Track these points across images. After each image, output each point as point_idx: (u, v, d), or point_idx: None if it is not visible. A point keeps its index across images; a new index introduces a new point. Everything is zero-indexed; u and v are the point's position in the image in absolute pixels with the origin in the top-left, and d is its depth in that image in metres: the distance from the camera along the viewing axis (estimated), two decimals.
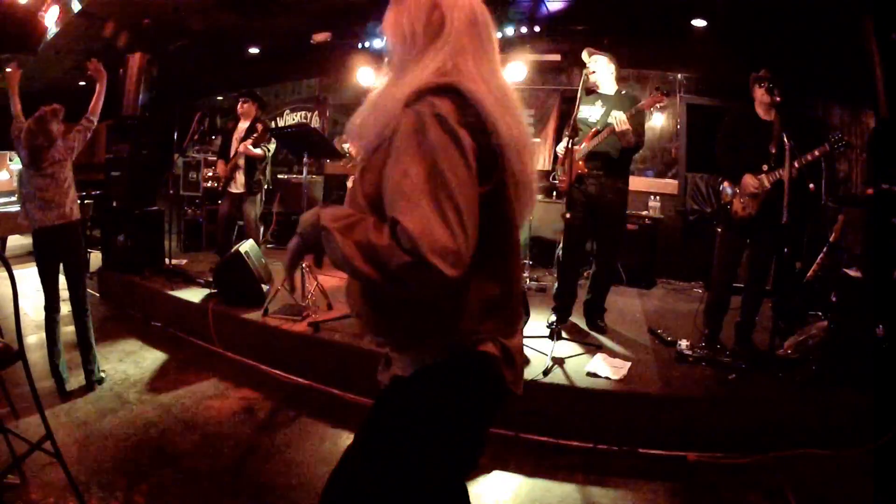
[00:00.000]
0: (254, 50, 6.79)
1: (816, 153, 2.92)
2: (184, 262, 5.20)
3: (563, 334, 3.34)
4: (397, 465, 1.04)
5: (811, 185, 3.12)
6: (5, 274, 2.01)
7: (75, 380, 3.13)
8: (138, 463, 2.43)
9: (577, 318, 3.71)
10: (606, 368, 2.89)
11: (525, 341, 3.18)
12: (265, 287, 3.96)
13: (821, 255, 3.77)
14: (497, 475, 2.43)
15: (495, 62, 1.09)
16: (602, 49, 3.52)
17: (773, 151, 3.05)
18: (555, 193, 5.45)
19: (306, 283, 3.80)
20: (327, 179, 6.93)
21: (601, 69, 3.43)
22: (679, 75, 5.68)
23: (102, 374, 3.21)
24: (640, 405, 2.71)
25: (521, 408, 2.70)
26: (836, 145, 2.89)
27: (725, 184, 3.24)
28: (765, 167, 3.06)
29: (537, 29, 5.45)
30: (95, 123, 3.19)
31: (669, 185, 5.70)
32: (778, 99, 3.02)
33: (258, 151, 4.57)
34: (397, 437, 1.06)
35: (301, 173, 4.45)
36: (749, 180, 3.08)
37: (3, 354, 2.04)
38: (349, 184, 4.15)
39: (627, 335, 3.53)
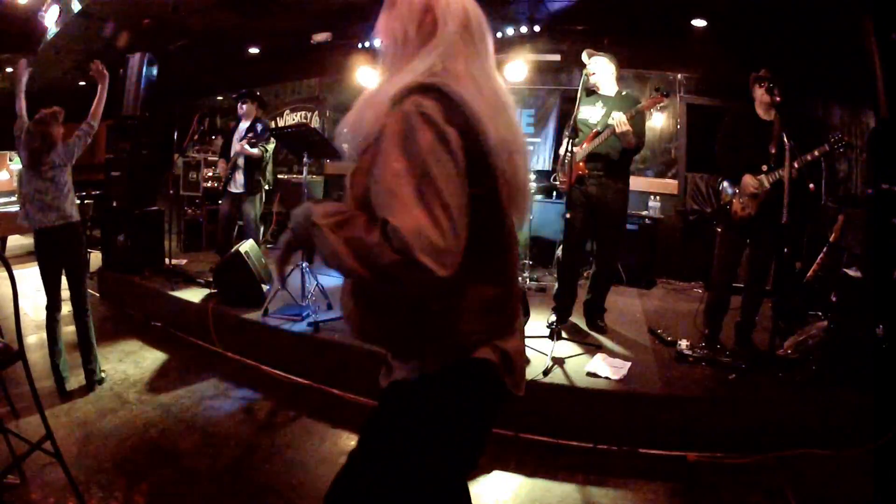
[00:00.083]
0: (254, 50, 6.79)
1: (816, 153, 2.92)
2: (184, 262, 5.20)
3: (563, 334, 3.34)
4: (398, 469, 1.04)
5: (811, 185, 3.12)
6: (5, 274, 2.01)
7: (75, 380, 3.13)
8: (138, 463, 2.43)
9: (577, 318, 3.71)
10: (606, 368, 2.89)
11: (525, 341, 3.21)
12: (265, 287, 3.96)
13: (821, 255, 3.78)
14: (497, 475, 2.43)
15: (489, 64, 1.08)
16: (602, 50, 3.52)
17: (773, 151, 3.05)
18: (555, 193, 5.46)
19: (306, 284, 3.80)
20: (327, 179, 6.93)
21: (601, 70, 3.43)
22: (679, 75, 5.68)
23: (103, 374, 3.21)
24: (640, 405, 2.71)
25: (521, 408, 2.70)
26: (836, 145, 2.90)
27: (725, 183, 3.24)
28: (764, 167, 3.06)
29: (537, 29, 5.45)
30: (96, 128, 3.19)
31: (669, 185, 5.70)
32: (778, 99, 3.02)
33: (255, 151, 4.57)
34: (397, 442, 1.06)
35: (301, 173, 4.45)
36: (749, 180, 3.08)
37: (3, 354, 2.04)
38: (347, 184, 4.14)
39: (627, 335, 3.53)
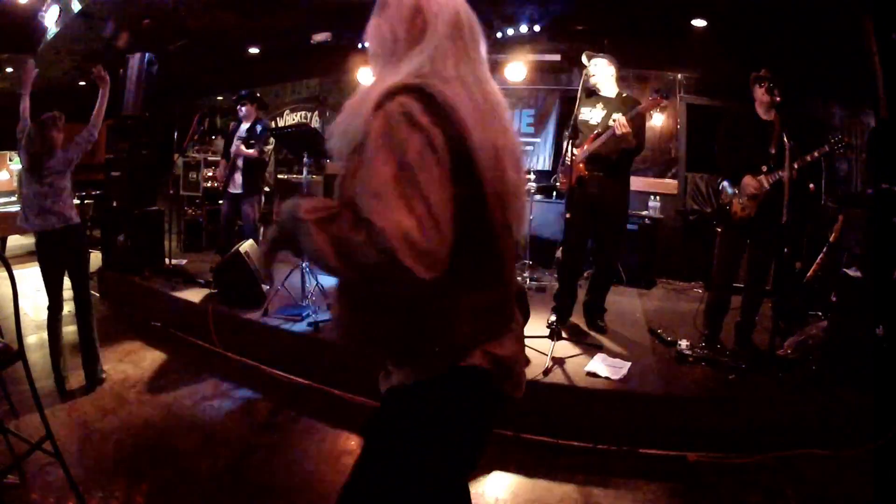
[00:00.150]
0: (254, 50, 6.78)
1: (816, 154, 2.92)
2: (184, 262, 5.19)
3: (563, 334, 3.34)
4: (396, 475, 1.04)
5: (811, 185, 3.12)
6: (5, 274, 2.01)
7: (75, 380, 3.13)
8: (138, 463, 2.43)
9: (577, 318, 3.71)
10: (606, 368, 2.89)
11: (525, 341, 3.21)
12: (265, 287, 3.96)
13: (821, 255, 3.78)
14: (497, 475, 2.43)
15: (480, 67, 1.08)
16: (602, 50, 3.52)
17: (773, 152, 3.05)
18: (555, 194, 5.46)
19: (306, 284, 3.80)
20: (327, 179, 6.93)
21: (601, 72, 3.43)
22: (679, 75, 5.68)
23: (103, 374, 3.21)
24: (640, 405, 2.71)
25: (521, 408, 2.70)
26: (835, 146, 2.90)
27: (725, 183, 3.24)
28: (764, 168, 3.06)
29: (537, 29, 5.44)
30: (95, 136, 3.19)
31: (669, 185, 5.70)
32: (778, 99, 3.02)
33: (251, 152, 4.57)
34: (394, 448, 1.06)
35: (301, 173, 4.45)
36: (749, 181, 3.08)
37: (3, 354, 2.04)
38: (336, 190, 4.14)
39: (627, 335, 3.53)
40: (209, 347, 3.78)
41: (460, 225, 0.91)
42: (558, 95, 6.05)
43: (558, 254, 3.71)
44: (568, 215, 3.30)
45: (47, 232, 2.98)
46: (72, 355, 3.22)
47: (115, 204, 5.01)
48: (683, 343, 3.22)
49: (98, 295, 4.88)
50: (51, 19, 5.07)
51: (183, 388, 3.21)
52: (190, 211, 6.32)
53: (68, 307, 3.16)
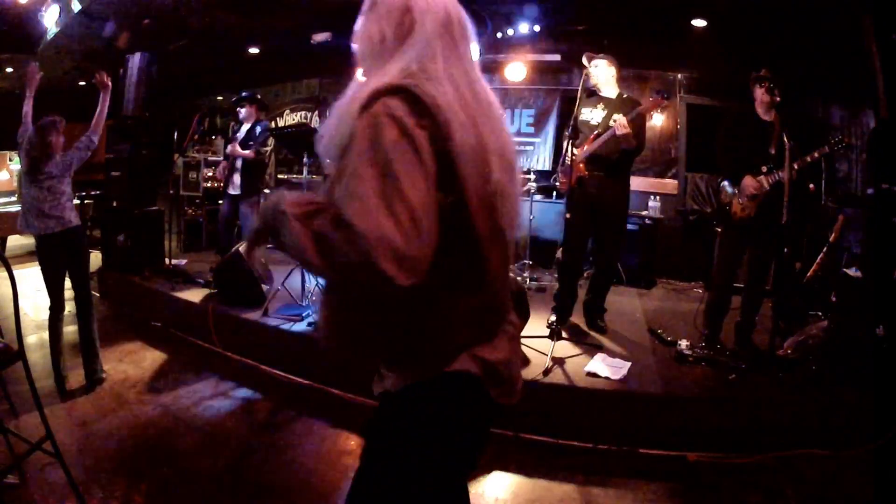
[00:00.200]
0: (254, 50, 6.78)
1: (816, 154, 2.92)
2: (184, 262, 5.19)
3: (563, 334, 3.34)
4: (391, 479, 1.03)
5: (811, 185, 3.12)
6: (5, 274, 2.01)
7: (75, 380, 3.13)
8: (138, 463, 2.43)
9: (577, 318, 3.71)
10: (606, 368, 2.89)
11: (525, 341, 3.20)
12: (265, 287, 3.97)
13: (821, 255, 3.78)
14: (497, 475, 2.43)
15: (470, 65, 1.06)
16: (602, 50, 3.52)
17: (773, 152, 3.05)
18: (555, 194, 5.46)
19: (306, 283, 3.80)
20: (327, 179, 6.93)
21: (602, 73, 3.43)
22: (679, 75, 5.68)
23: (103, 374, 3.21)
24: (640, 405, 2.71)
25: (521, 408, 2.68)
26: (835, 146, 2.90)
27: (725, 183, 3.24)
28: (764, 168, 3.06)
29: (537, 29, 5.45)
30: (96, 143, 3.19)
31: (669, 185, 5.70)
32: (778, 99, 3.02)
33: (247, 153, 4.58)
34: (390, 451, 1.05)
35: (301, 173, 4.46)
36: (749, 181, 3.08)
37: (3, 354, 2.04)
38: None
39: (627, 335, 3.53)
40: (209, 347, 3.78)
41: (443, 229, 0.89)
42: (558, 95, 6.05)
43: (558, 254, 3.71)
44: (568, 215, 3.30)
45: (47, 235, 2.99)
46: (72, 355, 3.22)
47: (115, 204, 5.01)
48: (683, 343, 3.22)
49: (98, 295, 4.87)
50: (51, 19, 5.06)
51: (183, 388, 3.21)
52: (190, 211, 6.33)
53: (69, 307, 3.16)
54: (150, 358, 3.65)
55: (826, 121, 5.17)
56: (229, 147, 4.66)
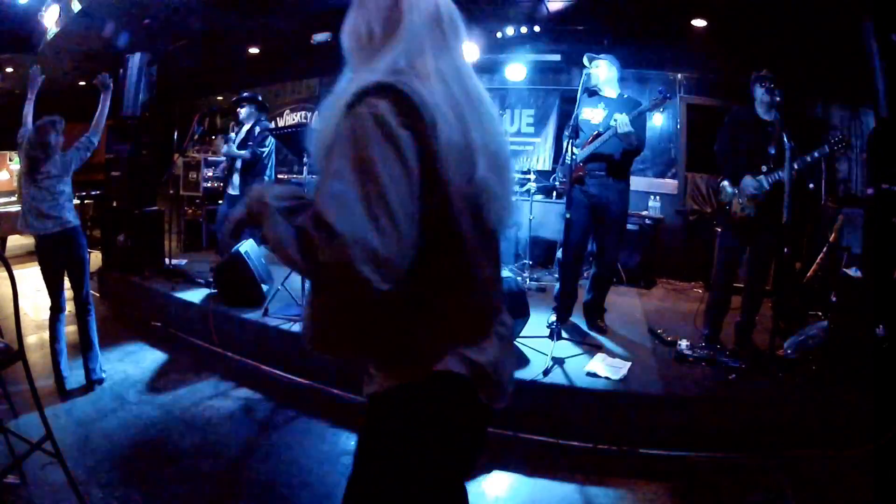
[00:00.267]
0: (254, 50, 6.78)
1: (816, 154, 2.92)
2: (184, 262, 5.20)
3: (563, 334, 3.34)
4: (384, 479, 1.01)
5: (811, 185, 3.12)
6: (5, 274, 2.01)
7: (75, 379, 3.13)
8: (138, 463, 2.43)
9: (577, 318, 3.71)
10: (606, 368, 2.89)
11: (525, 341, 3.20)
12: (265, 287, 3.96)
13: (821, 255, 3.78)
14: (497, 475, 2.43)
15: (460, 61, 1.03)
16: (602, 50, 3.53)
17: (773, 152, 3.05)
18: (555, 194, 5.46)
19: (307, 283, 3.80)
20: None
21: (603, 73, 3.43)
22: (679, 75, 5.68)
23: (103, 374, 3.21)
24: (640, 405, 2.71)
25: (521, 408, 2.70)
26: (835, 146, 2.90)
27: (725, 183, 3.24)
28: (764, 168, 3.07)
29: (537, 29, 5.44)
30: (96, 144, 3.19)
31: (669, 185, 5.70)
32: (778, 99, 3.02)
33: (243, 153, 4.58)
34: (379, 454, 1.04)
35: (301, 173, 4.46)
36: (749, 181, 3.08)
37: (3, 354, 2.04)
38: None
39: (627, 335, 3.53)
40: (209, 347, 3.78)
41: (427, 230, 0.88)
42: (558, 95, 6.05)
43: (558, 254, 3.71)
44: (568, 215, 3.30)
45: (45, 235, 2.99)
46: (72, 355, 3.22)
47: (115, 204, 5.01)
48: (683, 343, 3.22)
49: (98, 295, 4.87)
50: (51, 19, 5.06)
51: (183, 388, 3.21)
52: (190, 211, 6.33)
53: (69, 308, 3.16)
54: (150, 358, 3.65)
55: (826, 121, 5.17)
56: (224, 147, 4.67)
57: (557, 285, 3.63)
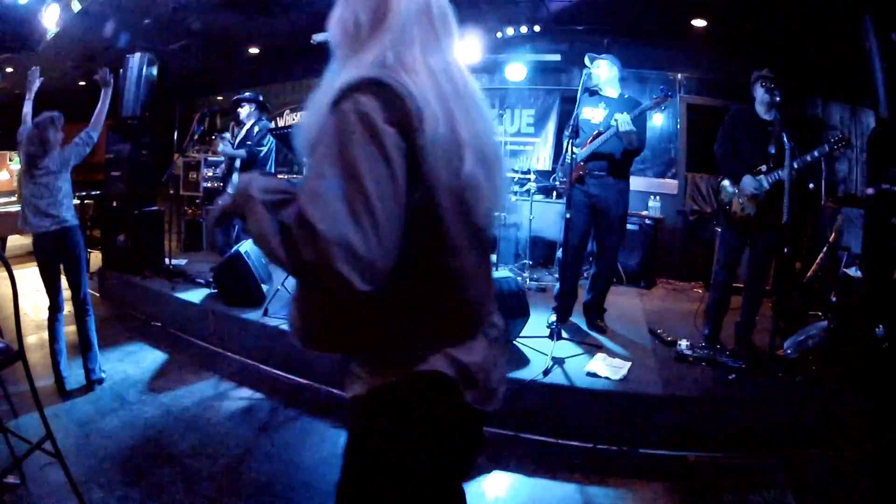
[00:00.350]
0: (254, 50, 6.78)
1: (816, 154, 2.92)
2: (184, 262, 5.20)
3: (563, 334, 3.34)
4: (372, 486, 1.00)
5: (811, 185, 3.12)
6: (5, 274, 2.01)
7: (75, 380, 3.13)
8: (138, 463, 2.43)
9: (577, 318, 3.71)
10: (606, 368, 2.89)
11: (525, 341, 3.20)
12: (265, 287, 3.96)
13: (821, 255, 3.78)
14: (497, 475, 2.43)
15: (451, 54, 1.01)
16: (602, 50, 3.53)
17: (773, 151, 3.05)
18: (555, 194, 5.46)
19: None
20: None
21: (604, 72, 3.44)
22: (679, 75, 5.68)
23: (103, 374, 3.21)
24: (640, 405, 2.71)
25: (521, 408, 2.70)
26: (835, 145, 2.90)
27: (725, 183, 3.24)
28: (764, 167, 3.07)
29: (537, 29, 5.44)
30: (96, 140, 3.18)
31: (669, 185, 5.70)
32: (778, 98, 3.02)
33: (239, 152, 4.58)
34: (364, 458, 1.02)
35: (302, 173, 4.45)
36: (749, 181, 3.08)
37: (3, 354, 2.04)
38: None
39: (627, 335, 3.53)
40: (209, 347, 3.78)
41: (411, 229, 0.87)
42: (558, 95, 6.05)
43: (558, 254, 3.71)
44: (568, 215, 3.30)
45: (42, 233, 2.98)
46: (72, 355, 3.22)
47: (115, 204, 5.01)
48: (683, 343, 3.22)
49: (98, 295, 4.88)
50: (51, 19, 5.06)
51: (183, 388, 3.21)
52: (190, 211, 6.32)
53: (69, 307, 3.16)
54: (150, 358, 3.65)
55: (826, 121, 5.17)
56: (220, 146, 4.67)
57: (557, 285, 3.64)
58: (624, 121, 3.18)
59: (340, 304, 0.94)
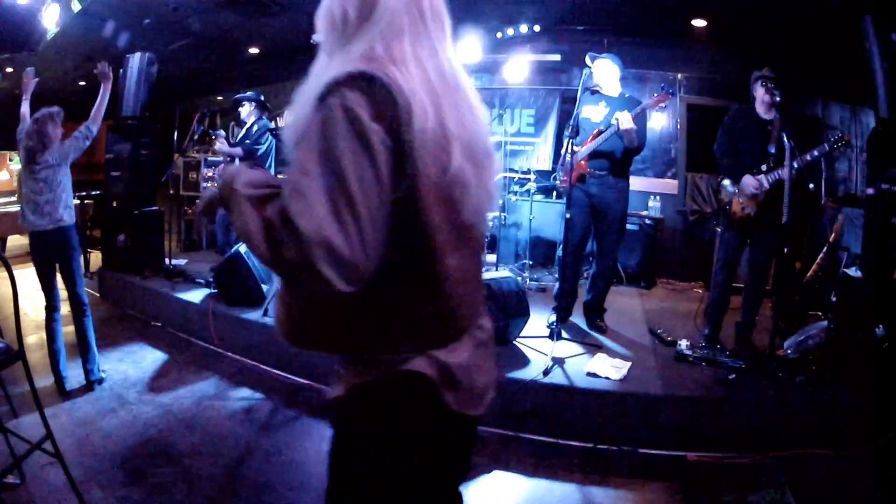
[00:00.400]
0: (254, 50, 6.78)
1: (816, 153, 2.92)
2: (184, 262, 5.20)
3: (563, 334, 3.34)
4: (358, 487, 0.99)
5: (811, 185, 3.12)
6: (5, 274, 2.01)
7: (75, 380, 3.13)
8: (138, 463, 2.43)
9: (577, 318, 3.71)
10: (606, 368, 2.89)
11: (525, 341, 3.20)
12: (265, 287, 3.96)
13: (821, 255, 3.78)
14: (497, 475, 2.43)
15: (440, 45, 0.98)
16: (602, 50, 3.54)
17: (773, 151, 3.05)
18: (555, 193, 5.46)
19: None
20: None
21: (604, 71, 3.44)
22: (679, 75, 5.68)
23: (102, 374, 3.21)
24: (640, 405, 2.71)
25: (521, 408, 2.71)
26: (835, 145, 2.90)
27: (725, 182, 3.24)
28: (764, 167, 3.07)
29: (537, 29, 5.45)
30: (95, 133, 3.17)
31: (669, 185, 5.70)
32: (778, 98, 3.02)
33: (236, 150, 4.59)
34: (344, 464, 1.01)
35: None
36: (749, 181, 3.08)
37: (3, 354, 2.04)
38: None
39: (627, 335, 3.53)
40: (209, 347, 3.78)
41: (395, 227, 0.85)
42: (558, 95, 6.04)
43: (559, 254, 3.71)
44: (568, 215, 3.30)
45: (38, 231, 2.99)
46: (72, 356, 3.22)
47: (115, 204, 5.01)
48: (683, 343, 3.22)
49: (98, 295, 4.88)
50: (51, 19, 5.06)
51: (183, 388, 3.21)
52: (190, 211, 6.32)
53: (67, 307, 3.15)
54: (150, 358, 3.65)
55: (826, 121, 5.17)
56: (217, 145, 4.68)
57: (557, 285, 3.64)
58: (625, 119, 3.18)
59: (322, 302, 0.92)
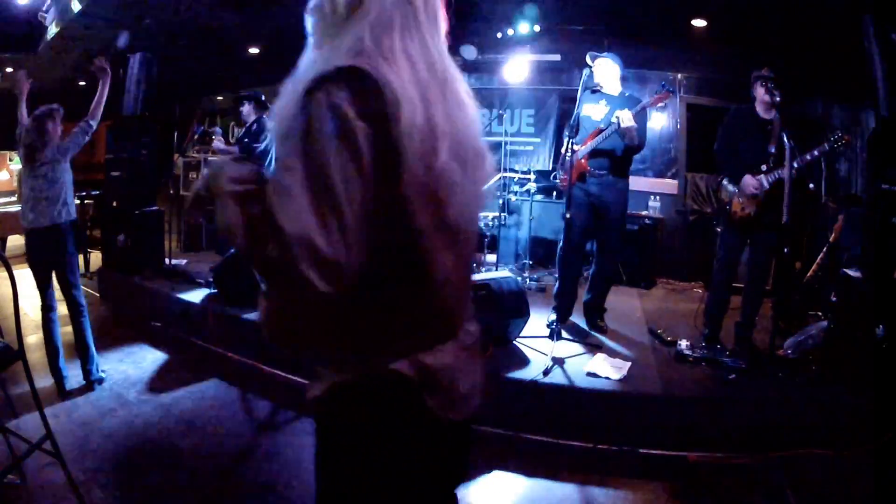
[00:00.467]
0: (254, 50, 6.78)
1: (816, 153, 2.92)
2: (184, 262, 5.20)
3: (563, 334, 3.34)
4: (344, 489, 0.97)
5: (811, 185, 3.12)
6: (5, 274, 2.01)
7: (75, 380, 3.13)
8: (138, 463, 2.43)
9: (577, 318, 3.71)
10: (606, 368, 2.89)
11: (525, 341, 3.20)
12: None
13: (821, 255, 3.78)
14: (497, 475, 2.43)
15: (432, 40, 0.96)
16: (602, 50, 3.54)
17: (773, 151, 3.05)
18: (555, 193, 5.46)
19: None
20: None
21: (605, 71, 3.44)
22: (679, 75, 5.68)
23: (102, 374, 3.21)
24: (640, 405, 2.71)
25: (521, 408, 2.70)
26: (835, 145, 2.90)
27: (725, 182, 3.24)
28: (764, 167, 3.07)
29: (537, 29, 5.45)
30: (94, 128, 3.17)
31: (669, 185, 5.70)
32: (778, 98, 3.02)
33: (233, 148, 4.60)
34: (327, 466, 0.99)
35: None
36: (749, 181, 3.08)
37: (3, 354, 2.04)
38: None
39: (627, 335, 3.53)
40: (209, 347, 3.78)
41: (378, 227, 0.84)
42: (558, 95, 6.05)
43: (558, 253, 3.71)
44: (568, 214, 3.30)
45: (33, 230, 2.99)
46: (72, 355, 3.22)
47: (115, 204, 5.01)
48: (683, 343, 3.22)
49: (98, 295, 4.88)
50: (51, 19, 5.06)
51: (183, 388, 3.21)
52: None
53: (63, 309, 3.15)
54: (150, 358, 3.65)
55: (826, 121, 5.17)
56: (214, 143, 4.69)
57: (557, 285, 3.64)
58: (626, 116, 3.18)
59: (303, 302, 0.90)
